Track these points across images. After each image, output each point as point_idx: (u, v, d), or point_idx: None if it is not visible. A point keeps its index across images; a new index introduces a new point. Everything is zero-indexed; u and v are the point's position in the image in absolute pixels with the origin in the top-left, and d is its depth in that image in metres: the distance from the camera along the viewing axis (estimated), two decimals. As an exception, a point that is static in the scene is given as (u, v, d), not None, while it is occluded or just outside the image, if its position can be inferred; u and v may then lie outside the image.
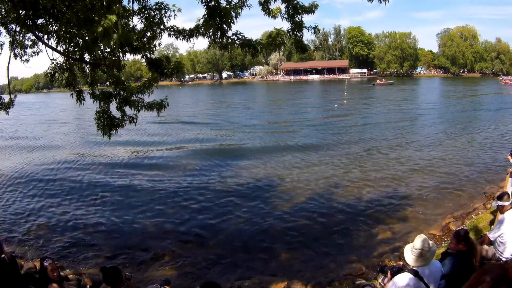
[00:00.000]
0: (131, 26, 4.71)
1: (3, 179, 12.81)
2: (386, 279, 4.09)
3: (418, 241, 3.25)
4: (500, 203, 4.76)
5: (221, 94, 58.59)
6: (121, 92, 5.54)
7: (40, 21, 4.50)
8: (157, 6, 4.76)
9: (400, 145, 15.56)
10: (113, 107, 5.70)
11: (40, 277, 4.23)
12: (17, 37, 5.29)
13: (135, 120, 5.63)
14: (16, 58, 5.69)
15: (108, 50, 5.10)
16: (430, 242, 3.33)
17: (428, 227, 7.55)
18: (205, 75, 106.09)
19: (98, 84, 5.75)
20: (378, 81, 62.39)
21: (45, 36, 4.50)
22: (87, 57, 5.16)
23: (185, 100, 47.64)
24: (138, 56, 5.19)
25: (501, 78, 61.70)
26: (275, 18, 4.74)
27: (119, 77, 5.62)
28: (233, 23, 4.11)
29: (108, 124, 5.44)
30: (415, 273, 3.25)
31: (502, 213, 4.76)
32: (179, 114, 30.46)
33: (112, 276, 3.59)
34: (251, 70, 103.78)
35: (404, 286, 3.24)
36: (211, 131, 21.46)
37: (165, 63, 5.18)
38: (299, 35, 4.85)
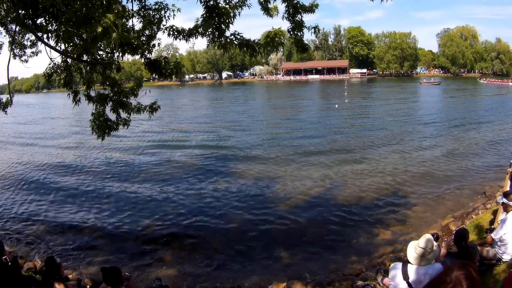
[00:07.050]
0: (129, 25, 4.69)
1: (3, 180, 12.81)
2: (385, 279, 4.09)
3: (423, 240, 3.24)
4: (505, 200, 4.62)
5: (220, 95, 58.57)
6: (116, 96, 5.47)
7: (39, 20, 4.48)
8: (156, 6, 4.74)
9: (400, 145, 15.55)
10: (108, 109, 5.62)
11: (45, 275, 4.18)
12: (16, 37, 5.28)
13: (128, 123, 5.61)
14: (15, 58, 5.67)
15: (107, 49, 5.06)
16: (435, 244, 3.32)
17: (428, 227, 7.53)
18: (205, 75, 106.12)
19: (94, 86, 5.68)
20: (424, 80, 61.34)
21: (44, 36, 4.49)
22: (85, 57, 5.12)
23: (185, 100, 47.59)
24: (137, 56, 5.14)
25: (479, 79, 62.06)
26: (272, 17, 4.74)
27: (115, 78, 5.56)
28: (232, 23, 4.10)
29: (102, 127, 5.39)
30: (404, 267, 3.29)
31: (505, 211, 4.67)
32: (178, 114, 30.43)
33: (112, 276, 3.58)
34: (251, 70, 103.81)
35: (391, 274, 3.40)
36: (209, 132, 21.36)
37: (163, 63, 5.13)
38: (299, 34, 4.83)
